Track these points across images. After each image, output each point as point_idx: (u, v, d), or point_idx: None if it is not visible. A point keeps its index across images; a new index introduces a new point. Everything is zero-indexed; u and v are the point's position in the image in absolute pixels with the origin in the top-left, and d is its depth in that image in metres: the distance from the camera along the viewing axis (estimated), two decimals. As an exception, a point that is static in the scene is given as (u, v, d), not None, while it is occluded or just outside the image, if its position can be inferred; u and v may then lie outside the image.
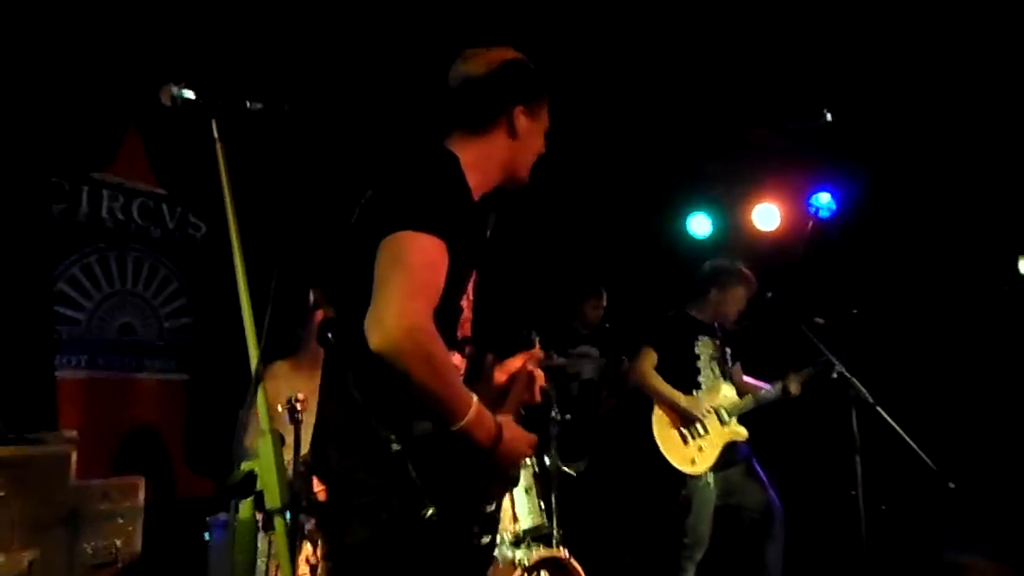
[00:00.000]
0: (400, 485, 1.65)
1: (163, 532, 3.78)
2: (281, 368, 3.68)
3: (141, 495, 3.65)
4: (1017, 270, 5.33)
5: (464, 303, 1.83)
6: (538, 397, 2.10)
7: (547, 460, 4.04)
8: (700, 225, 6.21)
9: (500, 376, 2.05)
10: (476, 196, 1.89)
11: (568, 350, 5.20)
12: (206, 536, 3.38)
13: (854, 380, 3.93)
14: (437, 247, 1.67)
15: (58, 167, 4.16)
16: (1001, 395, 4.89)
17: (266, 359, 3.51)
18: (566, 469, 4.04)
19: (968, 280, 5.33)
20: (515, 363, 2.06)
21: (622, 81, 5.12)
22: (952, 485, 3.74)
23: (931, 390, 4.98)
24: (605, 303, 5.29)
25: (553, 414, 4.16)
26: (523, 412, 2.21)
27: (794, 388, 4.17)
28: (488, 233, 2.03)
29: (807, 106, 5.39)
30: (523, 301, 5.05)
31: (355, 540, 1.70)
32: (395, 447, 1.66)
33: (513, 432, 1.80)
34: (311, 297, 3.68)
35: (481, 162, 1.90)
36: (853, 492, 3.85)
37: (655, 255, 6.10)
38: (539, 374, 2.09)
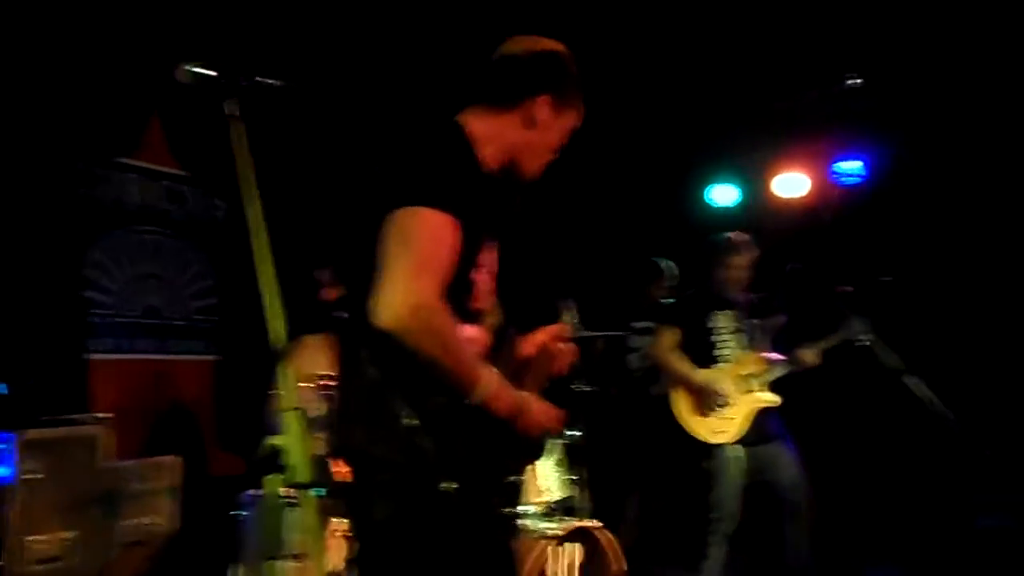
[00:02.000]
0: (417, 460, 1.66)
1: (197, 510, 3.84)
2: (310, 342, 3.69)
3: (175, 475, 3.70)
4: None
5: (479, 276, 1.82)
6: (565, 369, 2.09)
7: (577, 432, 4.03)
8: (725, 195, 6.15)
9: (528, 348, 2.05)
10: (491, 167, 1.86)
11: (631, 323, 5.21)
12: (237, 513, 3.41)
13: (884, 348, 3.89)
14: (444, 222, 1.65)
15: (84, 153, 4.19)
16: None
17: (295, 333, 3.55)
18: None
19: (997, 248, 5.25)
20: (541, 336, 2.07)
21: (647, 53, 5.07)
22: (988, 452, 3.70)
23: (962, 358, 4.92)
24: (674, 281, 5.28)
25: (580, 386, 4.15)
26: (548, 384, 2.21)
27: (807, 357, 4.13)
28: (515, 211, 2.01)
29: (833, 71, 5.30)
30: (563, 274, 5.05)
31: (378, 517, 1.71)
32: (410, 422, 1.66)
33: (535, 405, 1.80)
34: (323, 276, 3.68)
35: (494, 139, 1.87)
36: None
37: (682, 226, 6.04)
38: (568, 348, 2.08)
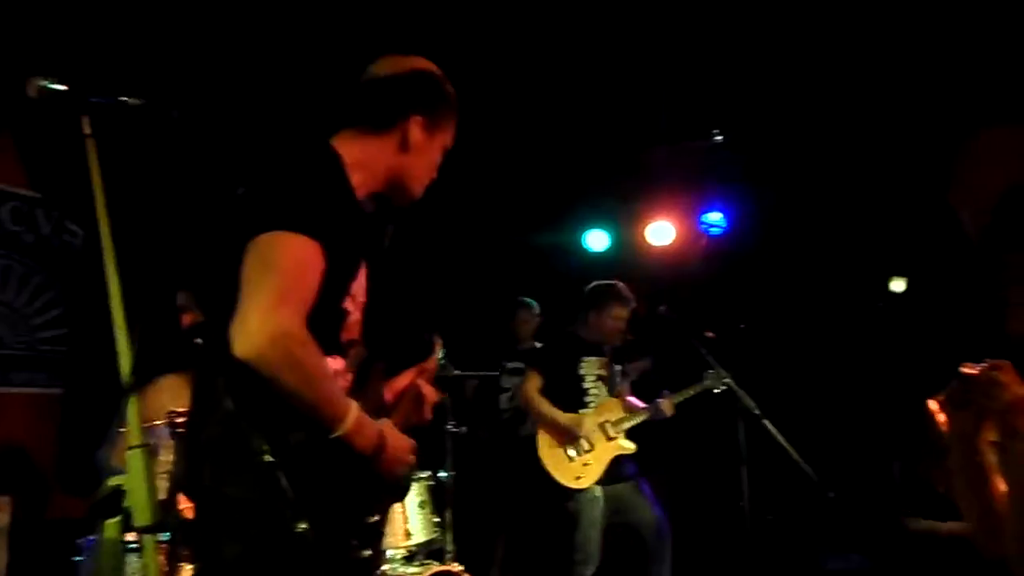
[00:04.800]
0: (272, 498, 1.57)
1: (32, 554, 3.57)
2: (170, 382, 3.49)
3: (5, 516, 3.43)
4: (888, 289, 5.63)
5: (348, 305, 1.76)
6: (427, 416, 2.02)
7: (442, 474, 3.99)
8: (597, 241, 6.31)
9: (388, 395, 1.97)
10: (362, 195, 1.82)
11: (504, 363, 5.20)
12: (76, 559, 3.18)
13: (741, 392, 4.06)
14: (309, 248, 1.59)
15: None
16: (878, 407, 5.13)
17: (154, 372, 3.36)
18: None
19: (846, 297, 5.59)
20: (403, 380, 2.00)
21: (522, 101, 5.17)
22: (831, 494, 3.89)
23: (813, 402, 5.18)
24: (537, 319, 5.31)
25: (448, 426, 4.12)
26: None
27: (666, 408, 4.24)
28: (386, 243, 1.97)
29: (698, 127, 5.56)
30: (434, 310, 5.03)
31: (226, 558, 1.61)
32: (267, 458, 1.58)
33: (396, 440, 1.75)
34: (179, 300, 3.51)
35: (366, 164, 1.82)
36: (741, 503, 3.96)
37: (553, 270, 6.15)
38: (429, 392, 2.02)
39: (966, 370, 1.70)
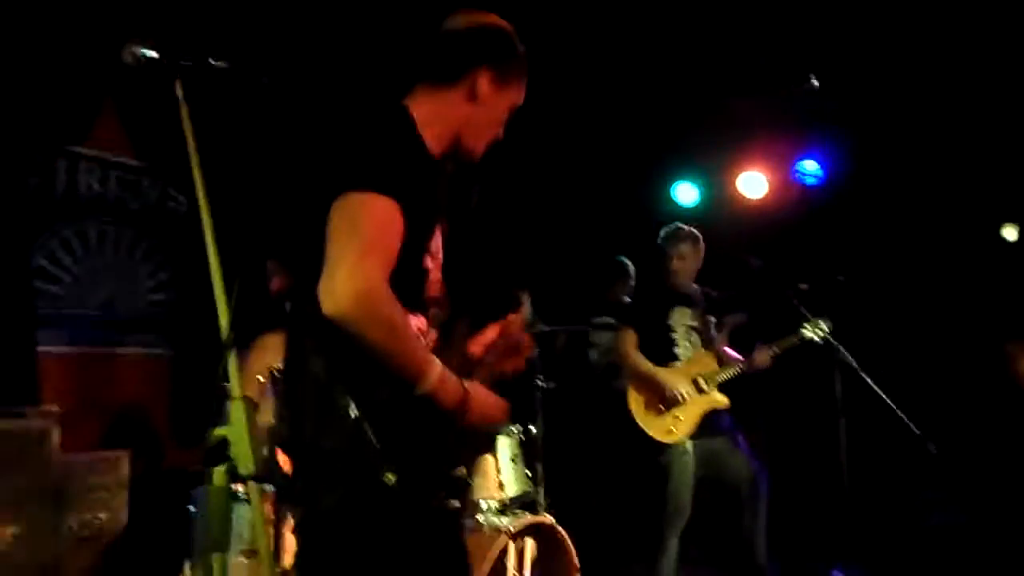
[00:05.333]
0: (360, 451, 1.64)
1: (150, 505, 3.79)
2: (272, 340, 3.61)
3: (125, 469, 3.64)
4: (1000, 236, 5.35)
5: (429, 263, 1.80)
6: (522, 365, 2.06)
7: (533, 428, 4.04)
8: (687, 194, 6.19)
9: (475, 348, 2.01)
10: (438, 152, 1.85)
11: (591, 319, 5.22)
12: (191, 508, 3.37)
13: (839, 345, 3.96)
14: (389, 207, 1.63)
15: (34, 141, 4.10)
16: (982, 361, 4.92)
17: (257, 330, 3.48)
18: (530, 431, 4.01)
19: (952, 246, 5.35)
20: (490, 334, 2.03)
21: (609, 52, 5.09)
22: (933, 449, 3.77)
23: (915, 355, 5.00)
24: (633, 281, 5.32)
25: (537, 381, 4.15)
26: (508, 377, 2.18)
27: (762, 360, 4.16)
28: (473, 203, 2.00)
29: (792, 73, 5.36)
30: (523, 267, 5.06)
31: (321, 510, 1.69)
32: (354, 412, 1.64)
33: (482, 397, 1.79)
34: (271, 265, 3.61)
35: (437, 118, 1.85)
36: (839, 458, 3.86)
37: (643, 224, 6.08)
38: (526, 340, 2.05)
39: None
